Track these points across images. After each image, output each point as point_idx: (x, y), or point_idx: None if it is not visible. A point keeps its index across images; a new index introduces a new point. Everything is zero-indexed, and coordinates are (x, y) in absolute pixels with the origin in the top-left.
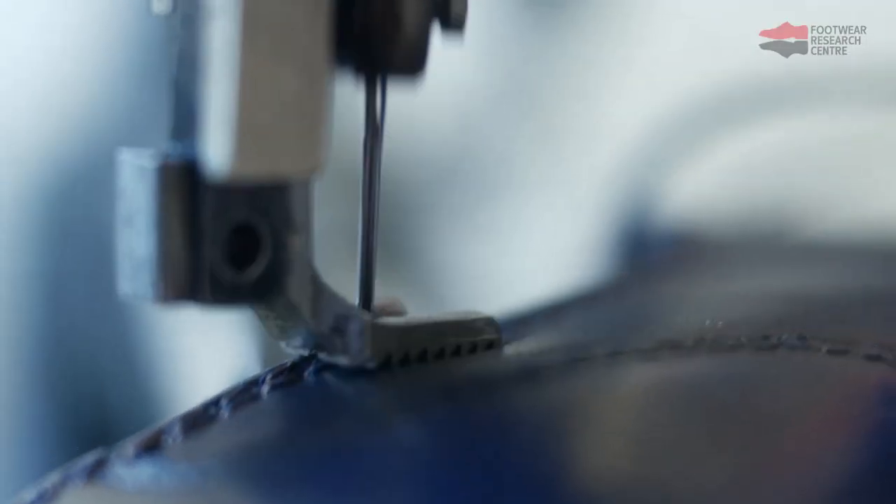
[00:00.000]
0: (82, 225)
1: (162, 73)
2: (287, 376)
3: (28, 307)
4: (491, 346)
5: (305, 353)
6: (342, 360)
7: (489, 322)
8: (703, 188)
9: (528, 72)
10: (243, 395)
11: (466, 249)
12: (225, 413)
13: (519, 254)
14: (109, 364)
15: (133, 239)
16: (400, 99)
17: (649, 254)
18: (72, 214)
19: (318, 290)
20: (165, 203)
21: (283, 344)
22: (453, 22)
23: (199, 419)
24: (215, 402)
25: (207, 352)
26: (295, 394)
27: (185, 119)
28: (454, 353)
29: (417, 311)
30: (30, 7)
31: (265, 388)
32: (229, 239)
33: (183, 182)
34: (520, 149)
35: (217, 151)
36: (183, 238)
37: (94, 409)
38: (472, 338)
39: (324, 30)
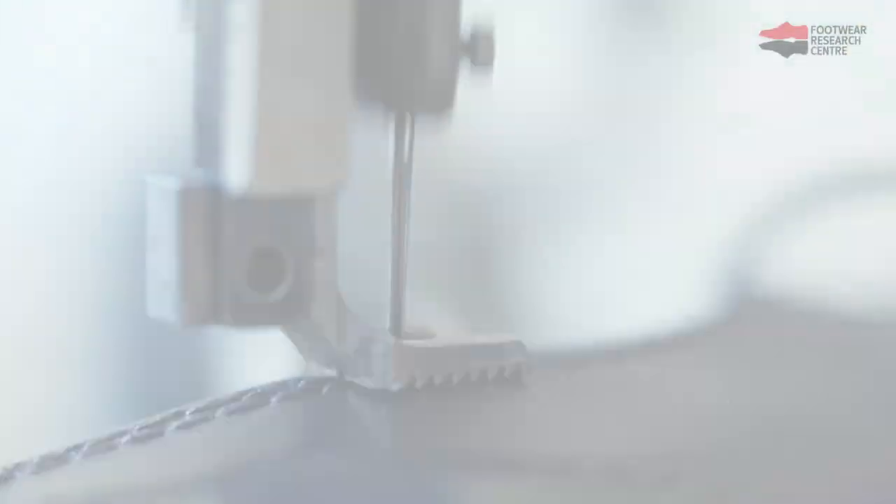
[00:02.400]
0: None
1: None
2: (305, 388)
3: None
4: (518, 370)
5: (331, 372)
6: (366, 382)
7: (517, 345)
8: (799, 260)
9: (623, 81)
10: (253, 399)
11: (548, 267)
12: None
13: (599, 275)
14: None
15: (158, 262)
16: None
17: (716, 309)
18: None
19: (343, 311)
20: (187, 226)
21: (309, 362)
22: (481, 60)
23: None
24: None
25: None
26: (306, 407)
27: (207, 147)
28: (480, 377)
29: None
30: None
31: (276, 397)
32: (252, 262)
33: (205, 205)
34: (609, 163)
35: (238, 167)
36: (205, 261)
37: None
38: (499, 361)
39: (344, 46)
